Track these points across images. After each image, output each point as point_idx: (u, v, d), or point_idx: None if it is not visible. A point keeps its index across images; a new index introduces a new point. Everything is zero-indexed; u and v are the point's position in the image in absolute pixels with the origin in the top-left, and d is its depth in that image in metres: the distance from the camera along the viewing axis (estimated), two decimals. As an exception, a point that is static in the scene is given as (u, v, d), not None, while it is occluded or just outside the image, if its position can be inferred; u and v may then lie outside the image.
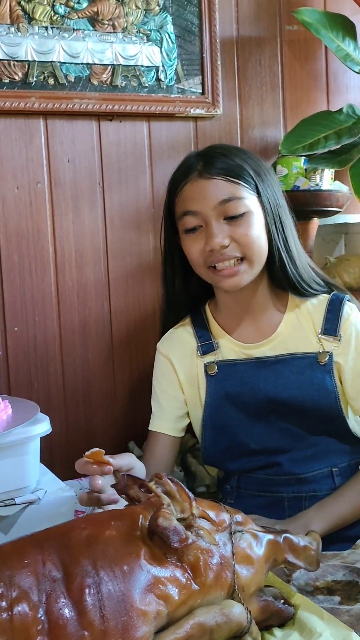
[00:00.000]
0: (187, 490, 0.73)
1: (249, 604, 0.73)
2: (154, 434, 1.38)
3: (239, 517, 0.77)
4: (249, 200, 1.21)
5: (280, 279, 1.27)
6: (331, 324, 1.26)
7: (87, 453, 0.93)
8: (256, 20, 1.92)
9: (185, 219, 1.22)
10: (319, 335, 1.26)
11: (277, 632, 0.75)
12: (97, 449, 0.94)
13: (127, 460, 1.01)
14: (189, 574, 0.69)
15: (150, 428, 1.40)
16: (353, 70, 1.84)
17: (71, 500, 0.94)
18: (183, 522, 0.71)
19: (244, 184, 1.20)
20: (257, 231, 1.21)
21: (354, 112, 1.82)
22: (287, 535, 0.78)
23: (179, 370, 1.34)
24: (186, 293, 1.36)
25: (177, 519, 0.71)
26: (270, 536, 0.77)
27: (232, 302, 1.30)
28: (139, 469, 1.07)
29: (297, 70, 1.99)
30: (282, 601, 0.78)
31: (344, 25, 1.85)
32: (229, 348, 1.31)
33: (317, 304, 1.29)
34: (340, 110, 1.84)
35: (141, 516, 0.72)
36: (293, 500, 1.25)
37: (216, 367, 1.29)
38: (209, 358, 1.31)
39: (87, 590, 0.63)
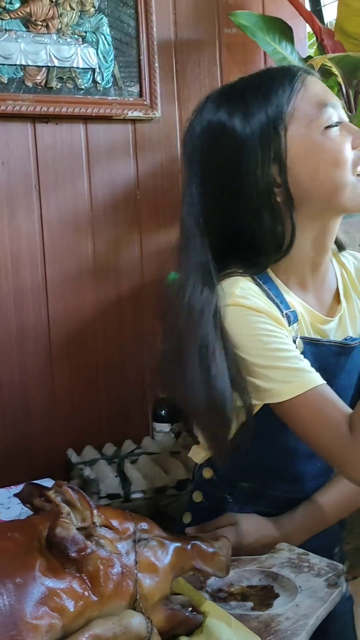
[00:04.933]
0: (88, 498, 0.71)
1: (153, 613, 0.71)
2: (322, 388, 0.93)
3: (145, 524, 0.75)
4: None
5: None
6: None
7: None
8: (194, 23, 1.92)
9: (327, 112, 0.97)
10: None
11: (184, 641, 0.74)
12: None
13: None
14: (88, 584, 0.67)
15: (307, 388, 0.92)
16: (290, 74, 1.85)
17: (-19, 511, 0.91)
18: (83, 532, 0.69)
19: None
20: None
21: (291, 115, 1.83)
22: (196, 542, 0.77)
23: (284, 324, 0.99)
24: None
25: (78, 528, 0.69)
26: (178, 544, 0.75)
27: (312, 257, 1.04)
28: None
29: (236, 73, 1.98)
30: (190, 609, 0.76)
31: (281, 29, 1.86)
32: (303, 322, 1.03)
33: (353, 259, 1.14)
34: (278, 113, 1.84)
35: (41, 526, 0.70)
36: None
37: (302, 344, 1.01)
38: (296, 331, 1.01)
39: (-26, 605, 0.61)
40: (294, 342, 0.98)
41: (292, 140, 0.98)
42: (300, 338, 1.00)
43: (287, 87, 0.98)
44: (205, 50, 1.94)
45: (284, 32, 1.86)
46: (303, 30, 2.05)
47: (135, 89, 1.82)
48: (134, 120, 1.84)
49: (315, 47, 2.05)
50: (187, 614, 0.74)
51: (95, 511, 0.71)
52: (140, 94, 1.83)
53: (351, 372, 1.06)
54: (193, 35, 1.92)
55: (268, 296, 0.99)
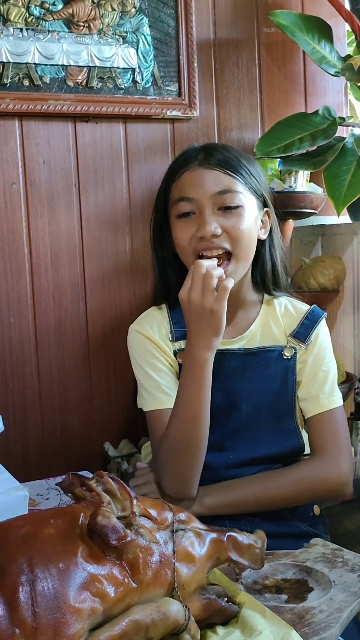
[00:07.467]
0: (128, 488, 0.73)
1: (190, 602, 0.73)
2: (162, 412, 1.25)
3: (183, 515, 0.77)
4: (244, 195, 1.25)
5: (261, 276, 1.34)
6: (305, 331, 1.30)
7: None
8: (233, 23, 1.93)
9: (180, 204, 1.25)
10: (288, 337, 1.30)
11: (220, 630, 0.76)
12: None
13: None
14: (127, 571, 0.69)
15: (151, 408, 1.28)
16: (328, 73, 1.85)
17: (23, 500, 0.94)
18: (123, 521, 0.71)
19: (240, 179, 1.25)
20: (247, 226, 1.24)
21: (329, 114, 1.83)
22: (232, 533, 0.79)
23: (165, 350, 1.31)
24: (177, 276, 1.36)
25: (118, 517, 0.71)
26: (214, 535, 0.77)
27: None
28: None
29: (275, 72, 1.99)
30: (226, 599, 0.78)
31: (320, 28, 1.86)
32: None
33: (292, 310, 1.34)
34: (316, 112, 1.84)
35: (82, 514, 0.72)
36: None
37: None
38: (181, 345, 1.30)
39: (20, 588, 0.64)
40: (175, 354, 1.29)
41: (169, 214, 1.30)
42: None
43: (174, 176, 1.29)
44: (244, 50, 1.95)
45: (323, 31, 1.87)
46: (342, 30, 2.05)
47: (174, 88, 1.84)
48: (172, 120, 1.86)
49: (354, 45, 2.04)
50: (222, 604, 0.76)
51: (134, 501, 0.73)
52: (179, 94, 1.84)
53: (252, 377, 1.27)
54: (232, 35, 1.93)
55: (169, 321, 1.33)
